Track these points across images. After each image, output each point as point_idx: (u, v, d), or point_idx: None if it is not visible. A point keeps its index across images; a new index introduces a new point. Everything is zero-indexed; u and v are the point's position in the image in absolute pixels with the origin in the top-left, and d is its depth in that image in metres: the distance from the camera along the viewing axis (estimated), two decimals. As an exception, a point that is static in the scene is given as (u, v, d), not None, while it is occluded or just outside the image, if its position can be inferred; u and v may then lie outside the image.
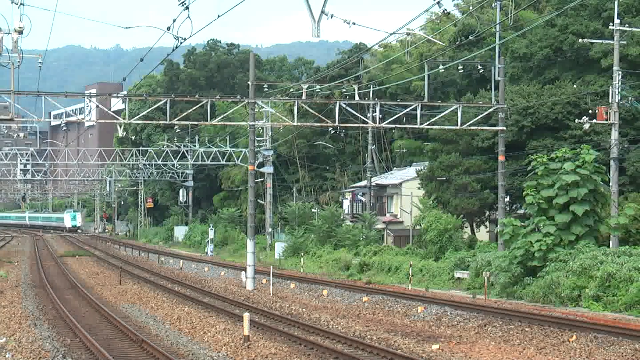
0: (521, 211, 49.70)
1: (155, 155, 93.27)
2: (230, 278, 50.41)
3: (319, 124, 55.55)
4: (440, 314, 30.91)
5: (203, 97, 42.79)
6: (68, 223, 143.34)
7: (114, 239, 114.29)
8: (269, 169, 66.73)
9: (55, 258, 68.46)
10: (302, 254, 57.78)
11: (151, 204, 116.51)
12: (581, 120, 41.59)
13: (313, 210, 69.86)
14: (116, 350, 22.94)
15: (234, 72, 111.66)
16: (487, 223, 58.33)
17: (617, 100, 40.38)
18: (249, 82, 44.17)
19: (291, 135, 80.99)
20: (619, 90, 40.39)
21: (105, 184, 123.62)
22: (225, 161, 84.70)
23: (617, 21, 41.33)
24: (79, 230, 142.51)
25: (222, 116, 51.27)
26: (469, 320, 29.07)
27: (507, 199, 49.26)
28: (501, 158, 43.13)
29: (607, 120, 40.63)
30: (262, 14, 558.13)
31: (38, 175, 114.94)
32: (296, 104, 43.21)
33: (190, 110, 42.64)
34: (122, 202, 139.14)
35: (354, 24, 31.01)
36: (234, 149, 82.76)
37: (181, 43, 30.81)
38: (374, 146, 69.09)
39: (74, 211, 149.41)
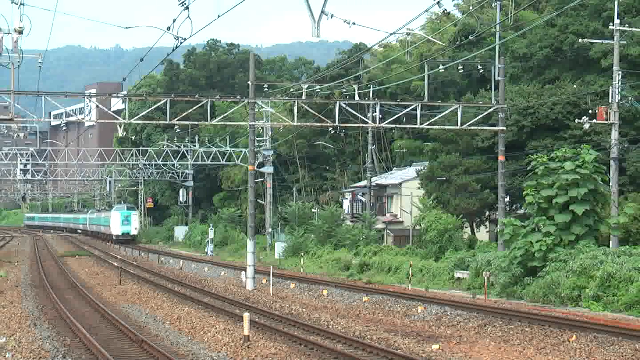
0: (521, 211, 49.69)
1: (155, 155, 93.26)
2: (230, 278, 50.39)
3: (319, 124, 55.54)
4: (440, 314, 30.90)
5: (203, 97, 42.79)
6: (116, 229, 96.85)
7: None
8: (269, 169, 66.74)
9: (55, 258, 68.42)
10: (302, 254, 57.75)
11: (151, 204, 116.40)
12: (581, 120, 41.60)
13: (313, 210, 69.85)
14: (116, 350, 22.93)
15: (234, 72, 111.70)
16: (487, 223, 58.33)
17: (617, 100, 40.38)
18: (249, 82, 44.16)
19: (291, 135, 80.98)
20: (619, 90, 40.40)
21: (105, 184, 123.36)
22: (225, 161, 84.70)
23: (617, 21, 41.33)
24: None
25: (222, 116, 51.23)
26: (469, 320, 29.06)
27: (507, 199, 49.26)
28: (501, 158, 43.13)
29: (607, 120, 40.64)
30: (262, 13, 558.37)
31: (38, 175, 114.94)
32: (296, 104, 43.22)
33: (190, 110, 42.63)
34: (122, 202, 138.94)
35: (354, 24, 31.02)
36: (234, 149, 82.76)
37: (181, 43, 30.82)
38: (374, 146, 69.04)
39: (127, 208, 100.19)
